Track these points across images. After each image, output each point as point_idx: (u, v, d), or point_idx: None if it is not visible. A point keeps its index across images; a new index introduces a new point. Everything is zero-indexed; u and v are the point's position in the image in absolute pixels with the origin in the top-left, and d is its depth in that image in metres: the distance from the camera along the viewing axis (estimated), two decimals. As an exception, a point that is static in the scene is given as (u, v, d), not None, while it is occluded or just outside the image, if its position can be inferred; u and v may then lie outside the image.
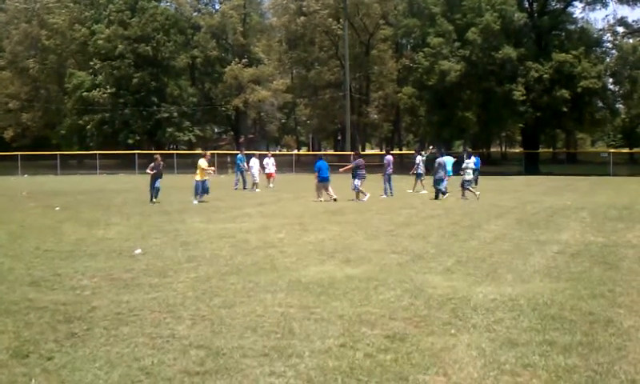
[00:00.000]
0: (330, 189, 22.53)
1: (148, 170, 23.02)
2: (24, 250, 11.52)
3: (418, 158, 27.12)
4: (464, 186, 23.17)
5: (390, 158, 26.28)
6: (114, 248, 11.77)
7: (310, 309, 7.17)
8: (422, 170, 27.05)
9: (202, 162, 22.76)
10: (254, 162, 30.25)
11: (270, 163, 32.92)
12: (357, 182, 22.65)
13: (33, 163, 54.05)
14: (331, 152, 72.31)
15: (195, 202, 21.91)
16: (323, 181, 22.60)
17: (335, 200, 21.79)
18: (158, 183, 22.63)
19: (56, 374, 5.24)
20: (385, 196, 24.33)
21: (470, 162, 23.73)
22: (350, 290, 8.08)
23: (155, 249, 11.66)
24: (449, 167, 25.14)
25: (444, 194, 23.09)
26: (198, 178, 22.44)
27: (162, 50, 60.74)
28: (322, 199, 22.11)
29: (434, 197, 22.96)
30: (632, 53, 50.99)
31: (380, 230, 14.22)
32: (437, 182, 23.19)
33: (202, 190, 22.39)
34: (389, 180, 25.05)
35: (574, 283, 8.43)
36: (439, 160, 23.73)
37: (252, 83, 62.13)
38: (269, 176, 32.43)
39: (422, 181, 26.67)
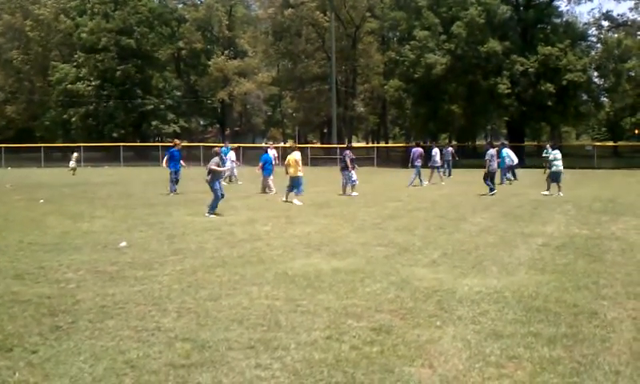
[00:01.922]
0: (270, 182, 23.50)
1: (182, 163, 23.12)
2: (8, 243, 11.42)
3: (435, 150, 28.11)
4: (554, 179, 21.46)
5: (419, 150, 27.17)
6: (98, 241, 11.70)
7: (296, 301, 7.17)
8: (438, 162, 28.18)
9: (297, 155, 19.83)
10: (231, 154, 30.26)
11: (273, 156, 33.05)
12: (355, 175, 22.36)
13: (16, 156, 53.53)
14: (318, 145, 72.32)
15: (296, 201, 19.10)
16: (268, 174, 23.49)
17: (274, 193, 22.55)
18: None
19: (40, 367, 5.21)
20: (422, 185, 25.94)
21: (558, 154, 21.99)
22: (336, 283, 8.09)
23: (140, 242, 11.61)
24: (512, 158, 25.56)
25: (492, 190, 21.45)
26: (299, 173, 19.33)
27: (145, 43, 60.41)
28: (269, 191, 22.96)
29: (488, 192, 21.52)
30: (617, 46, 51.34)
31: (366, 223, 14.24)
32: (491, 176, 21.90)
33: (298, 185, 19.41)
34: (418, 172, 26.19)
35: (559, 275, 8.49)
36: (492, 152, 22.73)
37: (237, 75, 61.90)
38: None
39: (440, 173, 28.17)
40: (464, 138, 67.70)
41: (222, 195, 16.22)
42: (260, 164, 23.54)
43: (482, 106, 49.57)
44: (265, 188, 23.38)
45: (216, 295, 7.47)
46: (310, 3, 59.23)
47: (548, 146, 27.53)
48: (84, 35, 59.05)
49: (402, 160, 50.99)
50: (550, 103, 47.22)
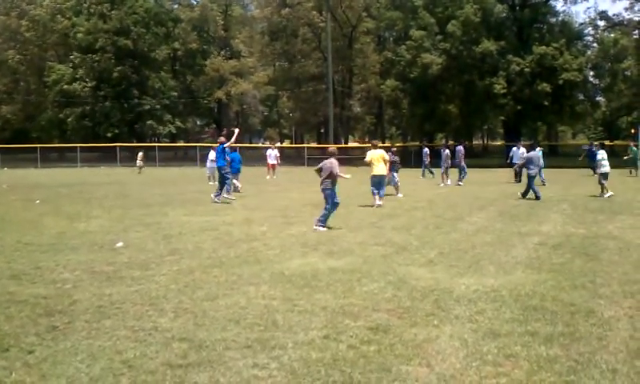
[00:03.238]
0: (238, 180, 23.94)
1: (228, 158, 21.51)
2: (4, 244, 11.39)
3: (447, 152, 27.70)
4: (603, 179, 20.41)
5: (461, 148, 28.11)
6: (95, 241, 11.67)
7: (293, 301, 7.16)
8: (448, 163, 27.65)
9: (384, 153, 18.54)
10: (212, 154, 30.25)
11: (273, 155, 33.23)
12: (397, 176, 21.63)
13: (13, 156, 53.43)
14: (314, 145, 72.30)
15: (400, 194, 20.01)
16: (236, 172, 23.70)
17: (238, 191, 23.04)
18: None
19: (37, 367, 5.19)
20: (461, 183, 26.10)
21: (604, 154, 20.97)
22: (333, 282, 8.08)
23: (137, 242, 11.58)
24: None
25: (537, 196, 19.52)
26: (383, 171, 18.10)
27: (142, 43, 60.36)
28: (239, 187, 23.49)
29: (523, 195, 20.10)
30: (613, 46, 51.50)
31: (363, 223, 14.24)
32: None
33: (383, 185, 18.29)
34: (464, 168, 26.92)
35: (556, 274, 8.50)
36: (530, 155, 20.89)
37: (234, 76, 61.87)
38: (270, 167, 32.87)
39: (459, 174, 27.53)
40: (461, 138, 67.78)
41: (337, 203, 13.62)
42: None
43: (478, 106, 49.68)
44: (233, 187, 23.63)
45: (213, 295, 7.46)
46: (306, 3, 59.25)
47: (591, 145, 27.65)
48: (80, 35, 59.01)
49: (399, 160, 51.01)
50: (545, 103, 47.37)
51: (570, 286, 7.83)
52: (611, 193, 20.05)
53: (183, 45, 66.06)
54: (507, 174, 29.63)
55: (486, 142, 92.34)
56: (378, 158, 17.94)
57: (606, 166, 20.51)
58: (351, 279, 8.26)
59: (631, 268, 8.94)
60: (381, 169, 17.85)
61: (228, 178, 19.82)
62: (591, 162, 28.07)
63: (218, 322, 6.35)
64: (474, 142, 76.29)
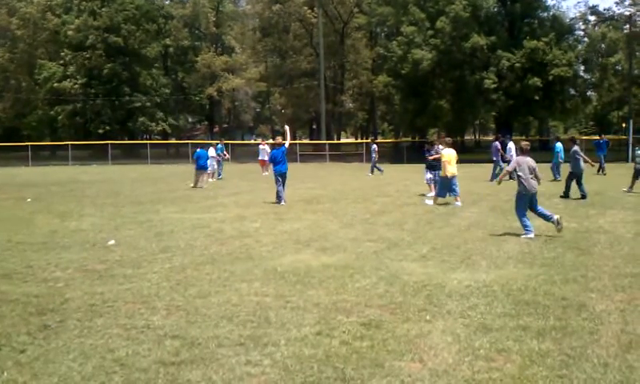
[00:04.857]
0: (205, 177, 24.40)
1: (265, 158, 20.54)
2: (-5, 243, 11.35)
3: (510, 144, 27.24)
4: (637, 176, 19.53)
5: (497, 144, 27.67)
6: (87, 239, 11.64)
7: (286, 297, 7.17)
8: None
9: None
10: (212, 151, 30.12)
11: (265, 151, 33.26)
12: (429, 175, 19.31)
13: (3, 154, 53.19)
14: (306, 141, 72.25)
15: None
16: (200, 168, 24.24)
17: (201, 187, 23.45)
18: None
19: (29, 366, 5.17)
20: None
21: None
22: (325, 279, 8.09)
23: (129, 240, 11.56)
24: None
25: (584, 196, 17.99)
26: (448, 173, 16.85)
27: (133, 40, 60.15)
28: (200, 186, 23.77)
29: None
30: (601, 40, 51.70)
31: (356, 219, 14.25)
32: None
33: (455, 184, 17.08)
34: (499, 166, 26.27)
35: (547, 269, 8.53)
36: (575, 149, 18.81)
37: (225, 72, 61.69)
38: (262, 163, 32.86)
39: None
40: (452, 133, 67.91)
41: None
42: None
43: (469, 101, 49.69)
44: (197, 183, 24.28)
45: (205, 292, 7.46)
46: (297, -1, 59.18)
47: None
48: (71, 33, 58.71)
49: (391, 155, 51.08)
50: (536, 98, 47.45)
51: (561, 280, 7.87)
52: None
53: (174, 41, 65.81)
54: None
55: (478, 137, 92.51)
56: (451, 159, 16.81)
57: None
58: (344, 275, 8.27)
59: (622, 262, 8.99)
60: (452, 170, 16.73)
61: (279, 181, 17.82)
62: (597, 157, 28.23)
63: (211, 319, 6.35)
64: (465, 137, 76.33)
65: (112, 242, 11.24)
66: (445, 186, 16.92)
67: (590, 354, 5.28)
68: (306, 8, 59.34)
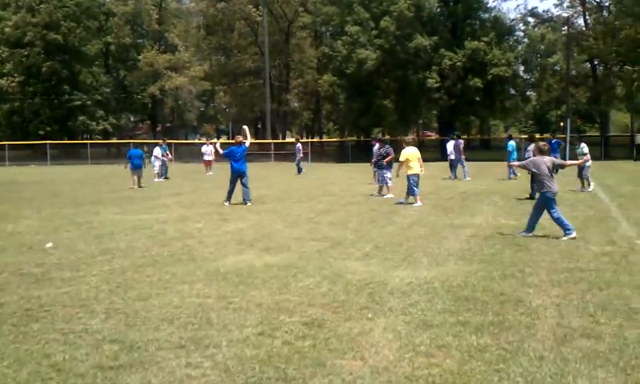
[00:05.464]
0: (140, 177, 24.39)
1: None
2: None
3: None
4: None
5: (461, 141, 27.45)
6: (23, 242, 11.30)
7: (228, 298, 7.11)
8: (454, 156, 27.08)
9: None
10: (157, 151, 29.73)
11: (209, 151, 33.08)
12: (388, 174, 19.08)
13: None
14: (252, 140, 71.74)
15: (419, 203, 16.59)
16: (135, 168, 24.32)
17: (140, 187, 23.78)
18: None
19: (-41, 375, 4.99)
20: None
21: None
22: (269, 279, 8.06)
23: (67, 242, 11.27)
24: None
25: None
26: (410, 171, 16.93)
27: (72, 37, 58.82)
28: (140, 185, 23.90)
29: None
30: (540, 41, 53.12)
31: (300, 218, 14.26)
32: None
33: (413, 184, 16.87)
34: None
35: (487, 265, 8.71)
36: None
37: (169, 70, 60.83)
38: (207, 164, 32.61)
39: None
40: (396, 132, 68.65)
41: None
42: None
43: (412, 101, 50.35)
44: (139, 183, 24.40)
45: (146, 295, 7.33)
46: (242, -3, 58.80)
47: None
48: (8, 30, 57.14)
49: (336, 155, 51.32)
50: (477, 98, 48.43)
51: (500, 276, 8.04)
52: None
53: (116, 39, 64.64)
54: (443, 167, 30.08)
55: (418, 135, 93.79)
56: (414, 158, 16.91)
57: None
58: (287, 275, 8.25)
59: (559, 257, 9.24)
60: (416, 169, 16.85)
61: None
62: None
63: (151, 322, 6.24)
64: (410, 136, 77.22)
65: (50, 244, 10.94)
66: (416, 184, 16.77)
67: (526, 347, 5.40)
68: (250, 6, 59.05)
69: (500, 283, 7.66)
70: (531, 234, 11.06)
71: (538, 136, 32.73)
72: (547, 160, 11.19)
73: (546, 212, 11.24)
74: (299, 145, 33.13)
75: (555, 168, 11.20)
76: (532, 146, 17.65)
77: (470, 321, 6.14)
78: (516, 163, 12.07)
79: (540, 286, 7.52)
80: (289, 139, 68.84)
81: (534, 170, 11.31)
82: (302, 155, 32.63)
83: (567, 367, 4.96)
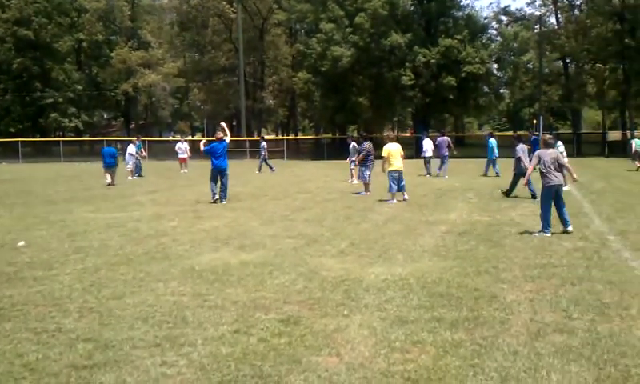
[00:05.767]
0: (113, 175, 24.31)
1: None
2: None
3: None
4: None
5: (446, 138, 27.32)
6: (-6, 241, 11.15)
7: (204, 296, 7.08)
8: (429, 153, 27.09)
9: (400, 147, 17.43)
10: (131, 148, 29.39)
11: (183, 148, 32.98)
12: (367, 171, 19.05)
13: None
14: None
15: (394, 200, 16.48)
16: (108, 166, 24.24)
17: (113, 185, 23.61)
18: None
19: None
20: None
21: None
22: (244, 276, 8.04)
23: (40, 241, 11.14)
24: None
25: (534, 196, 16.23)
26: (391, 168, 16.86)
27: (44, 34, 58.04)
28: (113, 183, 23.79)
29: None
30: (513, 39, 53.64)
31: (276, 215, 14.24)
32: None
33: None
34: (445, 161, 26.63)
35: (461, 261, 8.78)
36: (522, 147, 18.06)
37: (142, 67, 60.25)
38: (182, 161, 32.39)
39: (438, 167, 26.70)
40: (371, 130, 68.89)
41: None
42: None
43: (387, 98, 50.55)
44: (112, 180, 24.29)
45: (120, 293, 7.27)
46: (216, -7, 58.40)
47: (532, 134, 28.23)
48: (-23, 26, 56.16)
49: (312, 152, 51.30)
50: (451, 96, 48.75)
51: (474, 272, 8.11)
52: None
53: (88, 35, 63.74)
54: (418, 164, 30.22)
55: (396, 133, 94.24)
56: (396, 154, 16.87)
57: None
58: (263, 272, 8.24)
59: (532, 253, 9.35)
60: (399, 165, 16.80)
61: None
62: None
63: (125, 321, 6.20)
64: (384, 134, 77.43)
65: (22, 243, 10.81)
66: (395, 180, 16.71)
67: (500, 343, 5.46)
68: (224, 3, 58.65)
69: (474, 279, 7.73)
70: (549, 233, 10.83)
71: (533, 134, 32.26)
72: (551, 152, 11.17)
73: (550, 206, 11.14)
74: (264, 143, 32.72)
75: (557, 163, 11.13)
76: (520, 146, 17.97)
77: (445, 317, 6.19)
78: (530, 169, 11.86)
79: (514, 282, 7.61)
80: (268, 137, 68.77)
81: (539, 166, 11.14)
82: (265, 154, 32.11)
83: (541, 362, 5.02)
